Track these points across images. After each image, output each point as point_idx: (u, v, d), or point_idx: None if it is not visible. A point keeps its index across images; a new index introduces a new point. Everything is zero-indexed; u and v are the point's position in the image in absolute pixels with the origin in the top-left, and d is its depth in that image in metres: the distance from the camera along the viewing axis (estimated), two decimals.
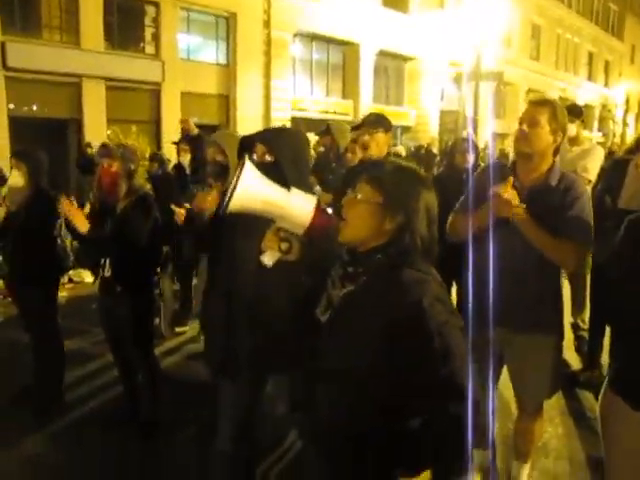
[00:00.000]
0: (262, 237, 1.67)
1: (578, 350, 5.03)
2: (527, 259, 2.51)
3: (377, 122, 3.64)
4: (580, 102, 34.07)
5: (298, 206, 1.60)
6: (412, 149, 17.68)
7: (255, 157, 2.24)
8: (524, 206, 2.38)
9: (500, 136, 27.14)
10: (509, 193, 2.38)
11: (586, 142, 5.28)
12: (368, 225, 1.55)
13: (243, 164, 1.52)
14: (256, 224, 1.67)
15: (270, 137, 2.39)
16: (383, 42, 20.56)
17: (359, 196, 1.56)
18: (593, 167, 4.85)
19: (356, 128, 3.89)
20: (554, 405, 3.91)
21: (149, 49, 15.72)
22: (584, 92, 35.64)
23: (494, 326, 2.44)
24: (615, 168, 4.24)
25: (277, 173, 1.91)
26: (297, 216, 1.60)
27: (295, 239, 1.66)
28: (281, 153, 2.25)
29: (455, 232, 2.71)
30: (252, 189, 1.51)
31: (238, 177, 1.49)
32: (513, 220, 2.43)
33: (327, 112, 19.60)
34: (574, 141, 5.09)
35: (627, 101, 40.36)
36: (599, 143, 7.92)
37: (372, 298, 1.50)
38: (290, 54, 18.54)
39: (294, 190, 1.63)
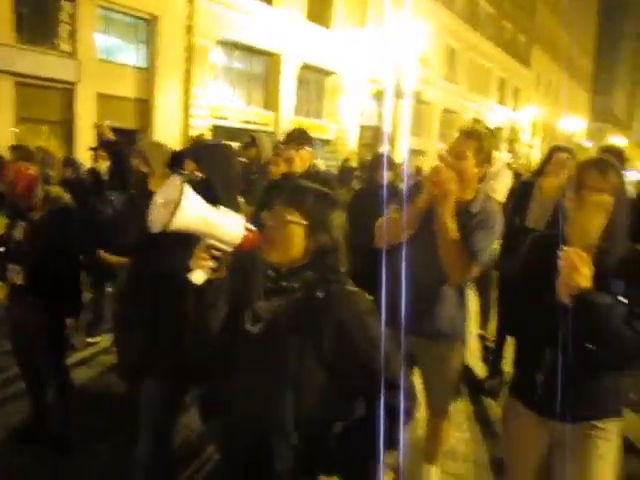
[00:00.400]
0: (190, 254, 1.68)
1: (484, 359, 5.32)
2: (438, 270, 2.64)
3: (303, 138, 3.78)
4: (491, 124, 35.89)
5: (228, 225, 1.63)
6: (335, 165, 17.93)
7: (184, 172, 2.27)
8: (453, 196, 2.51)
9: (416, 152, 28.12)
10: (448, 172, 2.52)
11: (495, 164, 5.63)
12: (296, 245, 1.68)
13: (181, 186, 1.52)
14: (185, 241, 1.68)
15: (201, 153, 2.44)
16: (306, 55, 20.83)
17: (288, 217, 1.66)
18: (501, 189, 5.18)
19: (283, 143, 3.98)
20: (461, 411, 4.13)
21: (64, 46, 15.07)
22: (495, 114, 37.57)
23: (406, 333, 2.58)
24: (522, 189, 4.57)
25: (206, 190, 1.94)
26: (227, 235, 1.62)
27: (223, 257, 1.68)
28: (212, 170, 2.30)
29: (381, 235, 2.77)
30: (191, 210, 1.52)
31: (178, 201, 1.48)
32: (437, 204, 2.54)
33: (248, 122, 19.57)
34: None
35: (533, 125, 42.97)
36: (508, 164, 8.42)
37: (311, 311, 1.62)
38: (212, 62, 18.40)
39: (223, 208, 1.65)
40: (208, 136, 15.50)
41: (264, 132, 17.37)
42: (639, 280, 1.95)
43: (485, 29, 35.54)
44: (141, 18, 16.57)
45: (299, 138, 3.75)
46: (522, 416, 2.22)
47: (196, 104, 17.65)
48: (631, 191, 4.95)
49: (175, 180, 1.58)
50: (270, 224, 1.69)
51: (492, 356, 5.02)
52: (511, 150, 39.43)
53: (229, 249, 1.65)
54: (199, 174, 2.28)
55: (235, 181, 2.51)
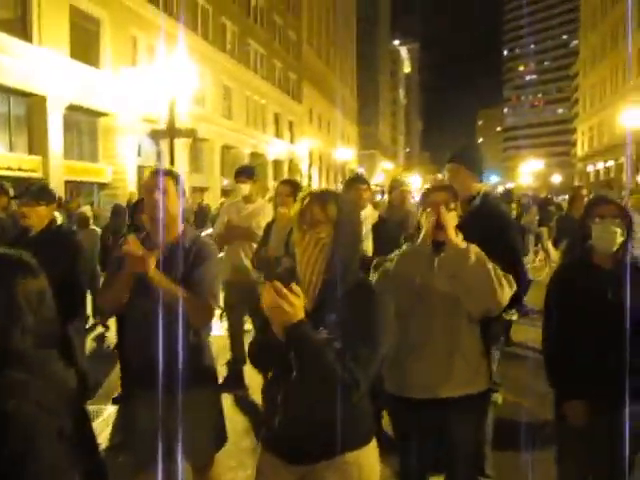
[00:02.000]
0: None
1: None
2: (168, 324, 2.55)
3: (39, 195, 3.53)
4: (271, 157, 37.52)
5: None
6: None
7: None
8: (153, 258, 2.52)
9: (200, 190, 28.20)
10: (140, 249, 2.52)
11: (259, 200, 5.89)
12: None
13: None
14: None
15: None
16: (73, 96, 19.70)
17: None
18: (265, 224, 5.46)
19: (16, 197, 3.73)
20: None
21: None
22: (274, 148, 39.30)
23: (148, 389, 2.59)
24: (269, 223, 4.98)
25: None
26: None
27: None
28: None
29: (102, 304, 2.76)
30: None
31: None
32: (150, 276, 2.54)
33: (11, 169, 17.84)
34: (248, 199, 5.67)
35: (310, 156, 45.81)
36: None
37: None
38: None
39: None
40: None
41: (33, 179, 16.01)
42: (348, 315, 1.91)
43: (257, 68, 37.22)
44: None
45: (35, 194, 3.51)
46: (268, 464, 2.11)
47: None
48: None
49: None
50: None
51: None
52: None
53: None
54: None
55: None
